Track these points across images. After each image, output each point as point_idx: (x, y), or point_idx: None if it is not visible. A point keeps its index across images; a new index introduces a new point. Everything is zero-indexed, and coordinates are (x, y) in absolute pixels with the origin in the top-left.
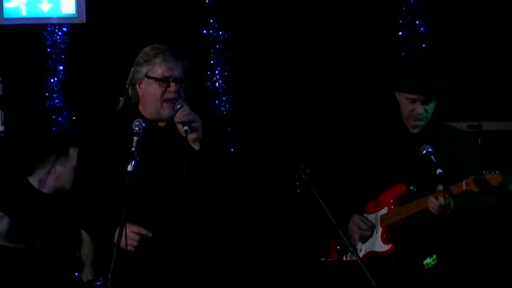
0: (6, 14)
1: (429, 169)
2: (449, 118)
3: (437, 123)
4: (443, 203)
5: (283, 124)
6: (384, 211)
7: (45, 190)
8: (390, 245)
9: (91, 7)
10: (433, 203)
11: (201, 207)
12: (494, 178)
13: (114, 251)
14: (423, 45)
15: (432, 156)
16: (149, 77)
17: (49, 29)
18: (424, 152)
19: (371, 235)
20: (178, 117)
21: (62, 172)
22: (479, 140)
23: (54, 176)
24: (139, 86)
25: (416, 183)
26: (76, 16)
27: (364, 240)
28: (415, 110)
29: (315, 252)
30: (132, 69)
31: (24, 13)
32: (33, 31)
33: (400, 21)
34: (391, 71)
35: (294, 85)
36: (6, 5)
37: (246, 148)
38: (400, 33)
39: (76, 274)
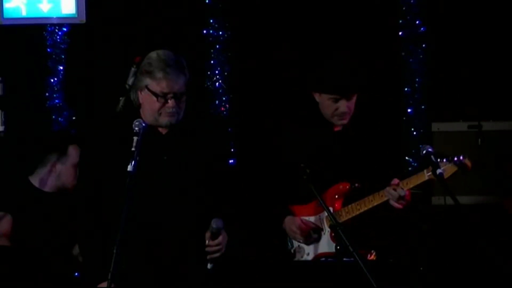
0: (6, 14)
1: (365, 165)
2: (449, 118)
3: (361, 119)
4: (402, 194)
5: (282, 123)
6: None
7: (46, 189)
8: None
9: (91, 7)
10: (393, 194)
11: (200, 212)
12: (468, 162)
13: (114, 251)
14: (423, 45)
15: (432, 156)
16: (149, 90)
17: (49, 29)
18: (424, 152)
19: (318, 238)
20: (209, 249)
21: (62, 171)
22: (479, 140)
23: (54, 175)
24: (140, 93)
25: (354, 180)
26: (76, 16)
27: (309, 243)
28: (339, 109)
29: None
30: (133, 69)
31: (24, 13)
32: (33, 31)
33: (400, 21)
34: (309, 73)
35: (294, 85)
36: (6, 5)
37: (246, 148)
38: (400, 33)
39: (76, 274)
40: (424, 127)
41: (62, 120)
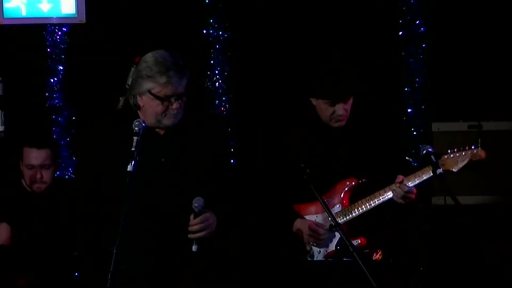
0: (6, 14)
1: (369, 162)
2: (449, 118)
3: (361, 117)
4: (405, 190)
5: (283, 124)
6: (338, 208)
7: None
8: (358, 240)
9: (91, 7)
10: (397, 191)
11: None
12: (478, 152)
13: (114, 251)
14: (423, 45)
15: (432, 156)
16: (151, 94)
17: (49, 29)
18: (424, 152)
19: (329, 237)
20: (191, 228)
21: (23, 172)
22: (479, 140)
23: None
24: (140, 97)
25: (361, 177)
26: (76, 16)
27: (322, 245)
28: (336, 112)
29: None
30: (133, 69)
31: (24, 13)
32: (33, 31)
33: (400, 21)
34: (305, 78)
35: (294, 85)
36: (6, 5)
37: (246, 148)
38: (400, 33)
39: (76, 274)
40: (424, 127)
41: (62, 120)
